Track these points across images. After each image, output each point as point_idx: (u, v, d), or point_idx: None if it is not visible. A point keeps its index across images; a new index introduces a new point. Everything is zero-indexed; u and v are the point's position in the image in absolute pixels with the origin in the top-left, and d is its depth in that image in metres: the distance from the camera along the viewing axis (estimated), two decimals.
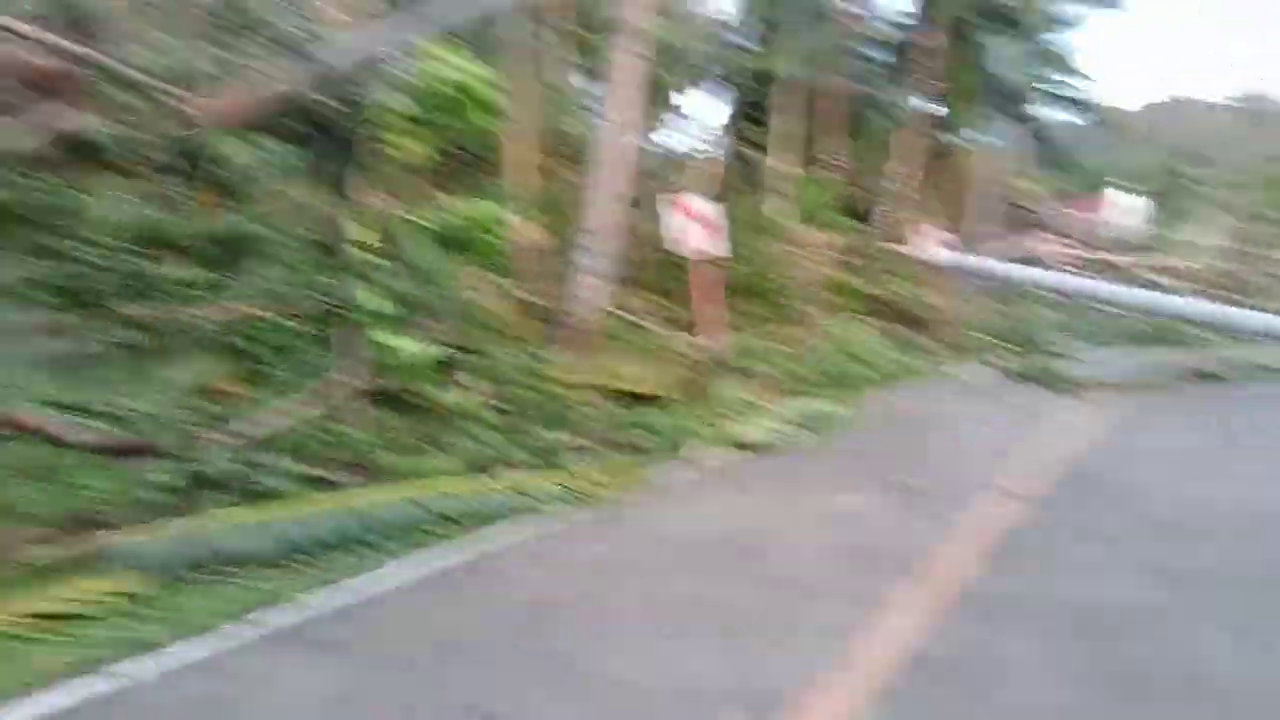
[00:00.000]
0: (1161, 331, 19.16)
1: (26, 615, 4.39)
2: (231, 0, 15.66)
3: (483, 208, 9.45)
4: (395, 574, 5.45)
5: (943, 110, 25.88)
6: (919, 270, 19.16)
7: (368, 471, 7.90)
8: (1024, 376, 13.52)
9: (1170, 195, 46.45)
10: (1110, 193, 40.01)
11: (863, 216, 18.98)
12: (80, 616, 4.52)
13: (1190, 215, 39.00)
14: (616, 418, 9.91)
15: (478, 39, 17.24)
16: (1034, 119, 28.06)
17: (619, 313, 12.76)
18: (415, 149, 9.98)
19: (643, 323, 12.84)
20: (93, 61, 12.16)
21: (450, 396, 9.37)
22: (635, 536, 6.08)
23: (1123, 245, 30.20)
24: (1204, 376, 12.22)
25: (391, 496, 6.45)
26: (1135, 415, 10.03)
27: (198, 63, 13.31)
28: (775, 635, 4.06)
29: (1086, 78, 27.91)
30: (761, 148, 17.32)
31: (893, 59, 25.04)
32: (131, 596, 4.85)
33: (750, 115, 18.38)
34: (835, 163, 17.59)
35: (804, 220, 16.52)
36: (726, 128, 18.74)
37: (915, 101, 23.57)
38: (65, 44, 12.58)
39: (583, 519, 6.67)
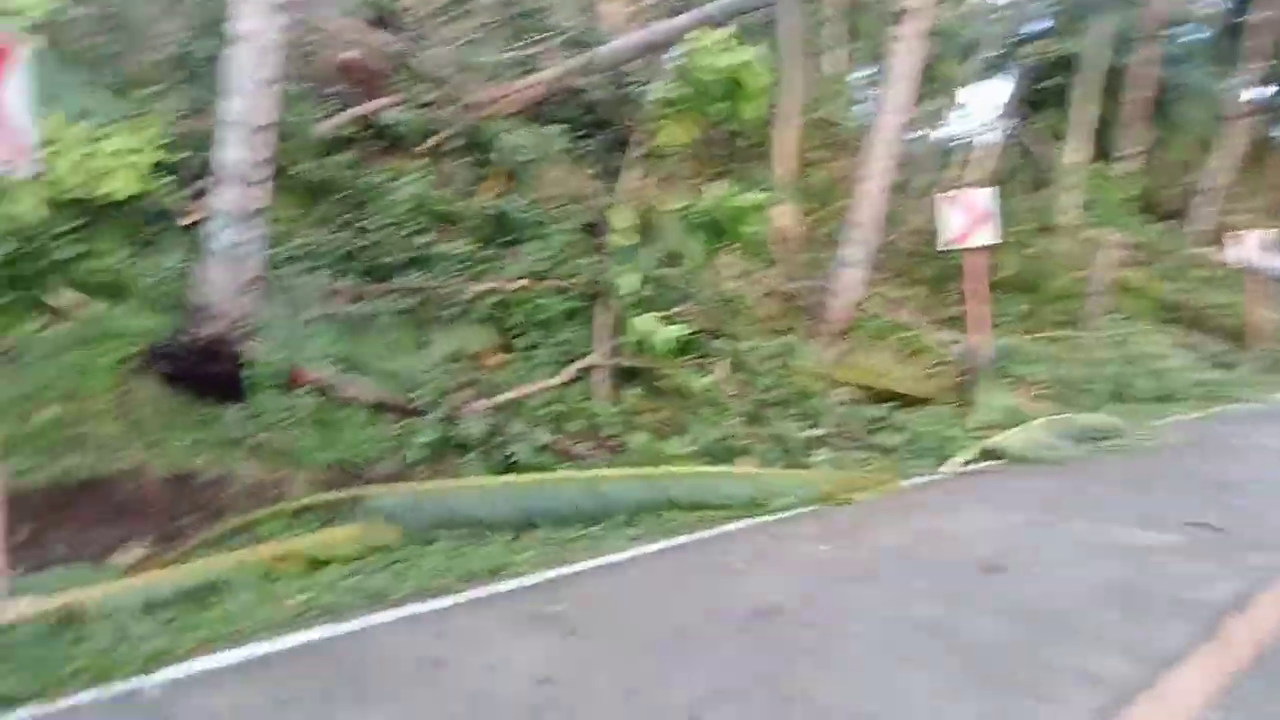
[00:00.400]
0: None
1: (282, 555, 4.67)
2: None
3: (744, 195, 9.22)
4: (623, 555, 5.36)
5: (1272, 97, 22.80)
6: (1232, 277, 16.93)
7: (611, 448, 7.95)
8: None
9: None
10: None
11: (1166, 215, 17.00)
12: (328, 561, 4.76)
13: None
14: (866, 415, 9.40)
15: (751, 27, 17.09)
16: None
17: (878, 307, 12.16)
18: (682, 135, 9.96)
19: (902, 318, 12.16)
20: (395, 55, 13.15)
21: (698, 381, 9.26)
22: (873, 546, 5.65)
23: None
24: None
25: (629, 476, 6.37)
26: None
27: (487, 56, 14.07)
28: (1031, 682, 3.53)
29: None
30: (1048, 137, 15.92)
31: (1213, 40, 22.32)
32: (377, 548, 5.06)
33: (1036, 102, 16.96)
34: (1135, 154, 15.86)
35: (1096, 215, 15.02)
36: (1007, 115, 17.40)
37: (1239, 87, 20.88)
38: (371, 39, 13.73)
39: (819, 519, 6.30)
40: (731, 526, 6.02)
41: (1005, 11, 19.72)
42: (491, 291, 9.60)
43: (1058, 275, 14.60)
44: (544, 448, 7.43)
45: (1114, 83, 16.27)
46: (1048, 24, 19.46)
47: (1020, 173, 16.35)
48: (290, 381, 6.90)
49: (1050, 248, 14.70)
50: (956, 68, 17.82)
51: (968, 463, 8.31)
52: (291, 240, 9.38)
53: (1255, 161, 22.79)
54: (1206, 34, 22.22)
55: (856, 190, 11.34)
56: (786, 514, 6.34)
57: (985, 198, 10.74)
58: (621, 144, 12.32)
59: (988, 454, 8.60)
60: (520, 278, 9.97)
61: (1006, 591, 4.65)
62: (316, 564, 4.72)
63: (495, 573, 4.90)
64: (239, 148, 6.96)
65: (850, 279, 11.32)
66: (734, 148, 16.29)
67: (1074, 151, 15.38)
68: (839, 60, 20.35)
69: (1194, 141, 21.79)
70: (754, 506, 6.35)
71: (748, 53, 9.16)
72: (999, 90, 18.99)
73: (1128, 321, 15.10)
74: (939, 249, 11.91)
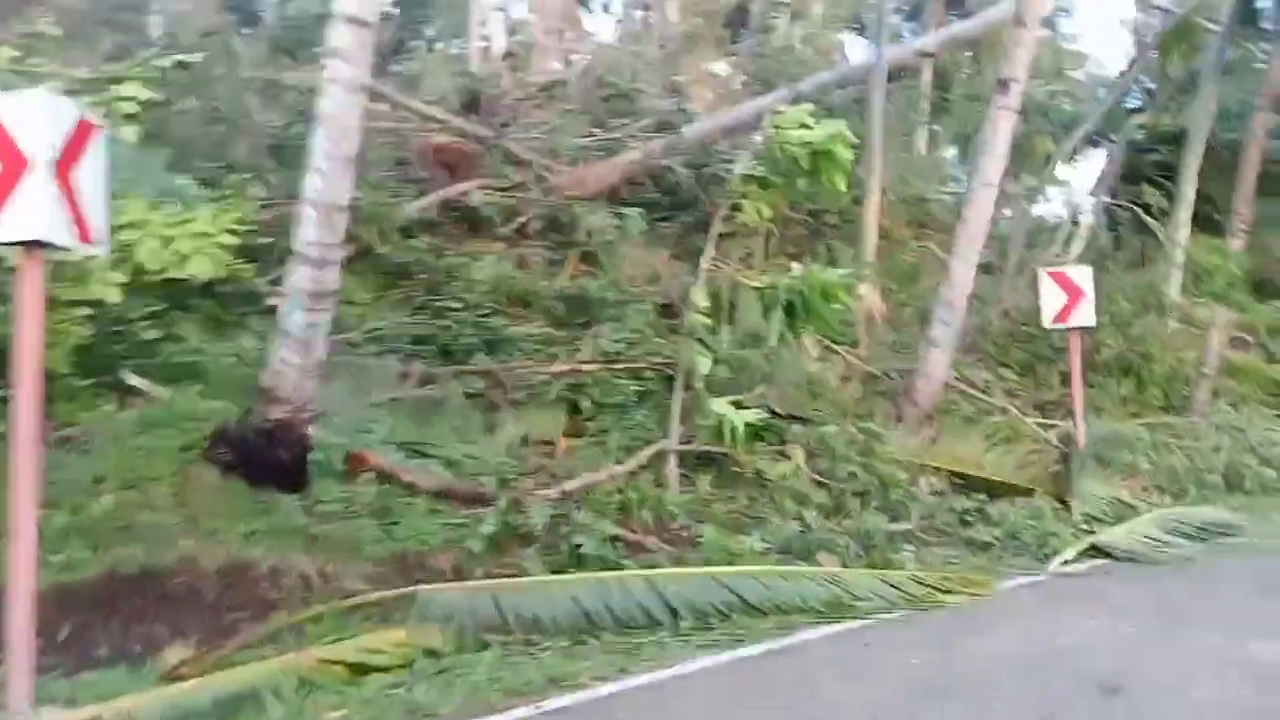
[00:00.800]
0: None
1: (323, 660, 4.37)
2: (613, 82, 16.64)
3: (828, 274, 8.84)
4: (691, 666, 4.91)
5: None
6: None
7: (681, 541, 7.51)
8: None
9: None
10: None
11: (1273, 294, 15.98)
12: (371, 668, 4.44)
13: None
14: (957, 507, 8.77)
15: (841, 104, 16.88)
16: None
17: (971, 390, 11.53)
18: (766, 211, 9.65)
19: (996, 402, 11.49)
20: (484, 139, 13.28)
21: (776, 468, 8.80)
22: (967, 656, 5.09)
23: None
24: None
25: (698, 575, 5.94)
26: None
27: (574, 138, 14.12)
28: None
29: None
30: (1149, 213, 15.17)
31: None
32: (428, 653, 4.73)
33: (1137, 177, 16.23)
34: (1242, 232, 14.97)
35: (1203, 294, 14.12)
36: (1106, 191, 16.68)
37: None
38: (463, 124, 13.92)
39: (907, 625, 5.76)
40: (810, 634, 5.52)
41: (1105, 86, 19.11)
42: (564, 373, 9.37)
43: (1162, 357, 13.71)
44: (611, 539, 7.03)
45: (1221, 157, 15.45)
46: (1149, 96, 18.80)
47: (1121, 250, 15.57)
48: (352, 467, 6.71)
49: (1154, 328, 13.84)
50: (1053, 144, 17.27)
51: (1068, 561, 7.62)
52: (366, 321, 9.33)
53: None
54: None
55: (949, 267, 10.84)
56: (870, 619, 5.81)
57: (1083, 275, 10.14)
58: (703, 225, 12.11)
59: (1092, 551, 7.90)
60: (594, 359, 9.73)
61: (1127, 713, 4.06)
62: (360, 670, 4.40)
63: (550, 685, 4.51)
64: (315, 227, 6.90)
65: (938, 360, 10.75)
66: (819, 226, 15.97)
67: (1178, 227, 14.57)
68: (930, 139, 20.00)
69: None
70: (834, 610, 5.84)
71: (834, 125, 8.85)
72: (1098, 166, 18.31)
73: (1237, 406, 14.08)
74: (1040, 328, 11.31)
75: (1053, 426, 11.41)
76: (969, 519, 8.60)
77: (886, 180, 15.27)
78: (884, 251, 15.72)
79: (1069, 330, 10.28)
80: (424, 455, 7.36)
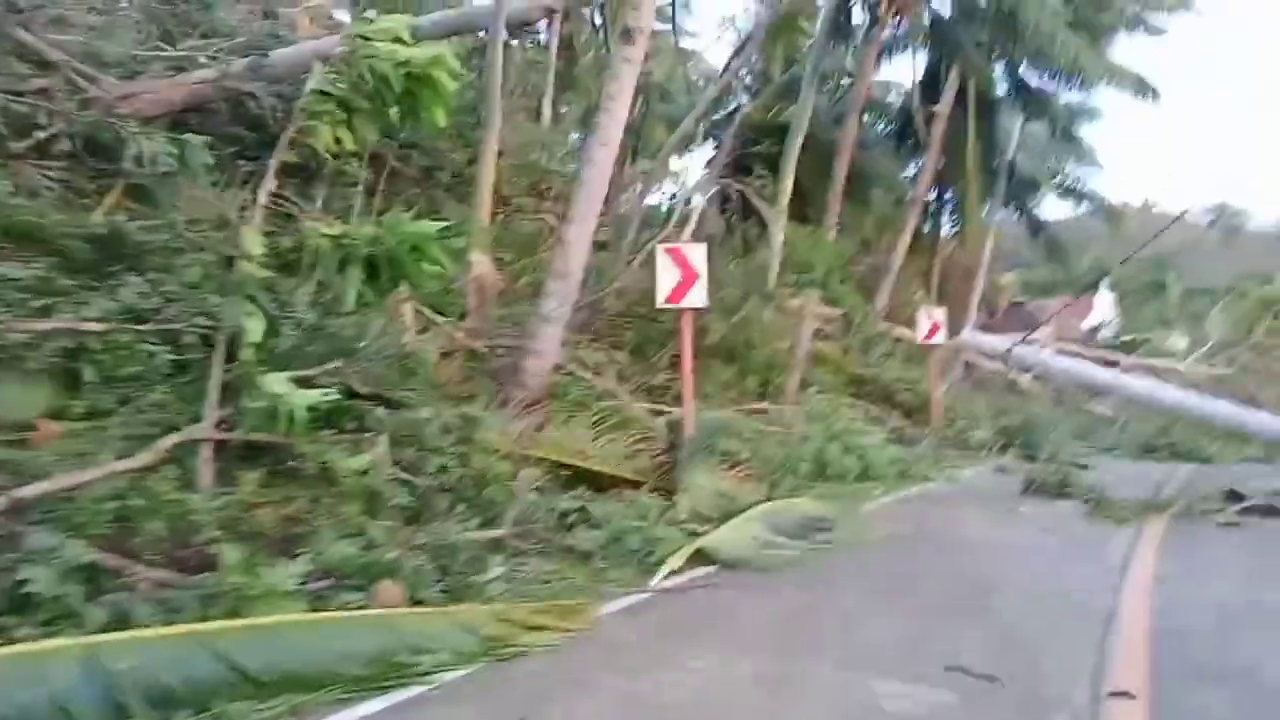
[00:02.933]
0: (1171, 441, 17.10)
1: None
2: None
3: (419, 226, 7.08)
4: None
5: (946, 190, 24.08)
6: (914, 353, 17.01)
7: (201, 567, 5.43)
8: (1050, 490, 11.21)
9: (1143, 299, 45.26)
10: (1099, 291, 38.54)
11: (862, 290, 16.82)
12: None
13: (1162, 320, 37.50)
14: (560, 508, 7.49)
15: (461, 54, 15.08)
16: (1037, 209, 26.30)
17: (582, 372, 10.42)
18: (346, 140, 7.61)
19: (607, 385, 10.48)
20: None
21: (349, 462, 6.93)
22: None
23: (1109, 344, 28.41)
24: (1268, 510, 9.97)
25: (168, 639, 3.96)
26: (1229, 562, 7.72)
27: (128, 48, 11.06)
28: None
29: (1101, 170, 26.16)
30: (754, 201, 15.17)
31: (898, 129, 23.21)
32: None
33: (743, 167, 16.27)
34: (835, 224, 15.44)
35: (803, 282, 14.27)
36: (717, 179, 16.58)
37: (918, 178, 21.72)
38: None
39: (477, 690, 4.24)
40: (339, 717, 3.80)
41: (713, 80, 19.15)
42: (57, 333, 6.76)
43: (762, 344, 13.66)
44: (83, 570, 4.79)
45: (818, 155, 15.96)
46: (755, 92, 19.17)
47: (730, 237, 15.48)
48: None
49: (755, 315, 13.74)
50: (668, 130, 16.90)
51: (675, 571, 6.60)
52: None
53: (930, 250, 23.93)
54: (896, 125, 23.11)
55: (561, 236, 9.59)
56: (433, 682, 4.21)
57: (698, 254, 9.33)
58: (296, 168, 9.87)
59: (703, 556, 6.97)
60: (113, 319, 7.17)
61: None
62: None
63: None
64: None
65: (550, 337, 9.50)
66: (431, 186, 14.18)
67: (778, 218, 14.67)
68: (555, 113, 18.84)
69: (876, 221, 22.44)
70: (384, 673, 4.17)
71: (437, 48, 7.10)
72: (710, 154, 18.34)
73: (825, 395, 14.48)
74: (653, 309, 10.48)
75: (661, 413, 10.65)
76: (571, 521, 7.34)
77: (506, 143, 13.83)
78: (502, 220, 14.32)
79: (681, 310, 9.45)
80: None
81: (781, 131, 16.16)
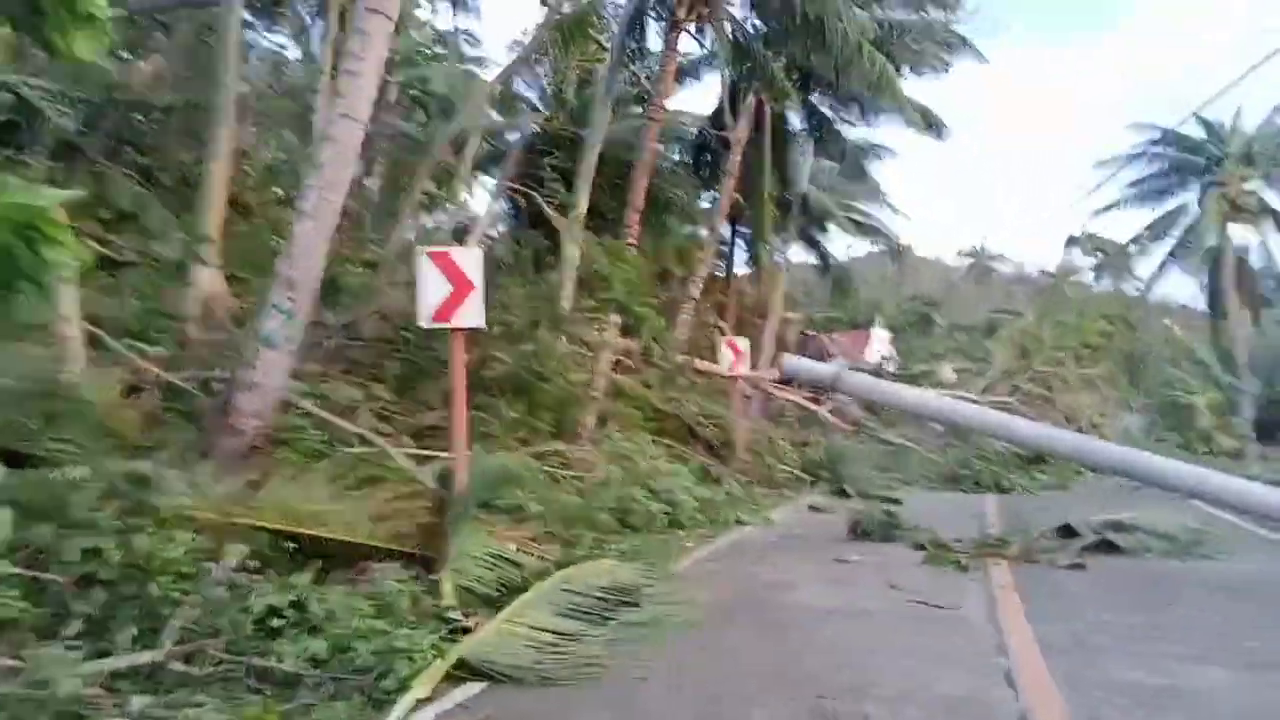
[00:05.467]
0: (972, 471, 16.57)
1: None
2: None
3: (32, 197, 4.58)
4: None
5: (737, 222, 23.26)
6: (719, 389, 15.57)
7: None
8: (875, 532, 9.84)
9: (914, 334, 47.10)
10: (875, 326, 39.46)
11: (663, 319, 15.20)
12: None
13: (933, 353, 38.74)
14: (263, 604, 5.10)
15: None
16: (825, 244, 26.09)
17: (323, 411, 8.01)
18: None
19: (359, 429, 8.13)
20: None
21: None
22: None
23: (898, 376, 28.48)
24: (1105, 546, 8.99)
25: None
26: (1104, 617, 6.36)
27: None
28: None
29: (895, 210, 26.17)
30: (545, 217, 13.25)
31: (692, 158, 22.15)
32: None
33: (534, 179, 14.36)
34: (631, 244, 13.72)
35: (602, 302, 12.39)
36: (502, 191, 14.57)
37: (715, 209, 20.66)
38: None
39: None
40: None
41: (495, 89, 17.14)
42: None
43: (555, 377, 11.67)
44: None
45: (614, 170, 14.30)
46: (547, 101, 17.37)
47: (520, 256, 13.41)
48: None
49: (547, 344, 11.75)
50: (453, 148, 14.75)
51: (424, 702, 4.40)
52: None
53: (713, 283, 22.89)
54: (690, 154, 22.01)
55: (292, 234, 7.24)
56: None
57: (472, 261, 7.23)
58: None
59: (465, 668, 4.81)
60: None
61: None
62: None
63: None
64: None
65: (274, 366, 7.08)
66: (146, 189, 11.36)
67: (574, 235, 12.78)
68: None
69: (674, 253, 21.14)
70: None
71: None
72: (496, 167, 16.30)
73: (625, 433, 12.69)
74: (425, 335, 8.33)
75: (431, 459, 8.43)
76: (278, 626, 4.99)
77: (244, 139, 11.28)
78: (239, 232, 11.65)
79: (453, 331, 7.30)
80: None
81: (576, 145, 14.42)
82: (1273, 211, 30.27)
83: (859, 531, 9.94)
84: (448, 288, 7.22)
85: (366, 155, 14.87)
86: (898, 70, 19.06)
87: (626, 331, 13.32)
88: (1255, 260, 31.44)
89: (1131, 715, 4.31)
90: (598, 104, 14.62)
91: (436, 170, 15.16)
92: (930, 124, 19.79)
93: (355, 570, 6.26)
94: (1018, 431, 10.44)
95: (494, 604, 6.00)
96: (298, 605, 5.17)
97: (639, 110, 18.35)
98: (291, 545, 6.31)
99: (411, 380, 9.91)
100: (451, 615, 5.56)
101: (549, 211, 13.03)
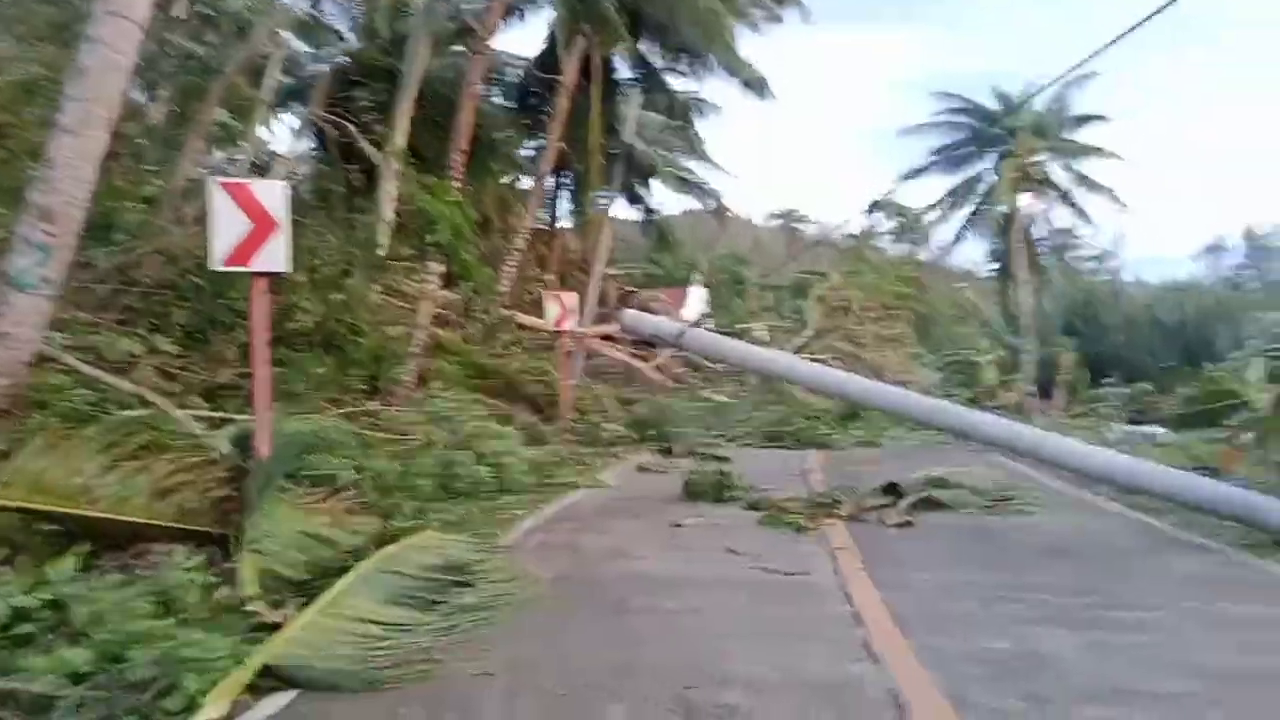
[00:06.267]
0: (793, 428, 16.87)
1: None
2: None
3: None
4: None
5: (561, 172, 22.56)
6: (542, 345, 14.98)
7: None
8: (709, 494, 9.63)
9: (727, 293, 48.10)
10: (693, 284, 39.82)
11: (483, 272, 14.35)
12: None
13: (748, 312, 39.61)
14: (11, 611, 4.13)
15: None
16: (648, 199, 25.80)
17: (91, 368, 6.81)
18: None
19: (136, 387, 6.98)
20: None
21: None
22: None
23: (720, 332, 28.83)
24: (927, 503, 9.15)
25: None
26: (948, 579, 6.33)
27: None
28: None
29: (719, 168, 26.01)
30: (369, 149, 12.07)
31: (517, 103, 21.18)
32: None
33: (345, 113, 13.09)
34: (456, 183, 12.76)
35: (427, 245, 11.38)
36: (310, 128, 13.23)
37: (540, 157, 19.87)
38: None
39: None
40: None
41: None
42: None
43: (370, 330, 10.70)
44: None
45: (440, 114, 13.22)
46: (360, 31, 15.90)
47: (328, 198, 12.18)
48: None
49: (360, 293, 10.74)
50: (252, 80, 13.19)
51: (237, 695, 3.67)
52: None
53: (538, 235, 22.19)
54: (513, 98, 21.04)
55: (47, 155, 6.01)
56: None
57: (274, 195, 6.26)
58: None
59: (272, 674, 4.07)
60: None
61: None
62: None
63: None
64: None
65: (25, 313, 5.87)
66: None
67: (390, 176, 11.71)
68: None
69: (497, 201, 20.23)
70: None
71: None
72: (302, 109, 14.73)
73: (448, 391, 11.91)
74: (219, 280, 7.25)
75: (227, 423, 7.43)
76: (29, 628, 4.05)
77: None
78: None
79: (252, 277, 6.32)
80: None
81: (393, 78, 13.24)
82: (1054, 184, 32.71)
83: (692, 493, 9.72)
84: (247, 225, 6.23)
85: (148, 78, 13.11)
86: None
87: (448, 282, 12.44)
88: (1038, 230, 33.94)
89: (1001, 684, 4.18)
90: (416, 35, 13.50)
91: (232, 101, 13.56)
92: (752, 83, 19.79)
93: (131, 554, 5.33)
94: (850, 388, 10.54)
95: (306, 590, 5.24)
96: (54, 605, 4.23)
97: (460, 50, 17.24)
98: (50, 527, 5.31)
99: (201, 332, 8.72)
100: (253, 609, 4.77)
101: (363, 144, 11.84)
